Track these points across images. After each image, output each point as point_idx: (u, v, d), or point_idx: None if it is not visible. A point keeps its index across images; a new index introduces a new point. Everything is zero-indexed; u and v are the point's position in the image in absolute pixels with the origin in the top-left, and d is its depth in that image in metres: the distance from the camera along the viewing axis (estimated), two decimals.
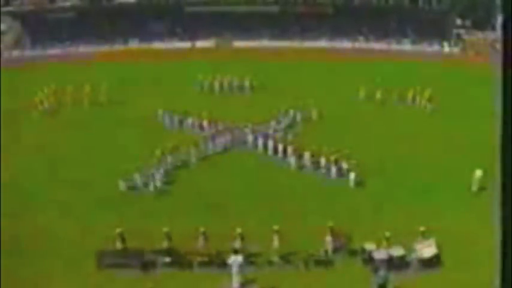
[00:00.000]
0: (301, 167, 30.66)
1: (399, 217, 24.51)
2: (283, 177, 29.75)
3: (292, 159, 30.90)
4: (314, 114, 38.80)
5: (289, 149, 31.53)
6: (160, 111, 38.84)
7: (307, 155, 30.71)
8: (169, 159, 30.59)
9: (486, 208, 22.03)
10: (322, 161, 29.98)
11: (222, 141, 33.96)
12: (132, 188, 28.08)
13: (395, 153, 32.70)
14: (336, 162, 29.64)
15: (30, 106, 41.12)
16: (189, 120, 37.73)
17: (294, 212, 25.34)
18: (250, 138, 33.98)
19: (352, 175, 28.16)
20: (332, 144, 31.94)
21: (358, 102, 42.56)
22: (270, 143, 32.71)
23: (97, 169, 30.31)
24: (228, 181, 29.49)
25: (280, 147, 32.10)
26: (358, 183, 28.42)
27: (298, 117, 38.22)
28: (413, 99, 42.62)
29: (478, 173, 27.33)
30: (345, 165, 29.54)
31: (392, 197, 27.12)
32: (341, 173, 29.32)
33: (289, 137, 34.20)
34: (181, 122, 37.98)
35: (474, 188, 27.48)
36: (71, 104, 42.89)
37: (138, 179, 28.26)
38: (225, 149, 33.64)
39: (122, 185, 27.91)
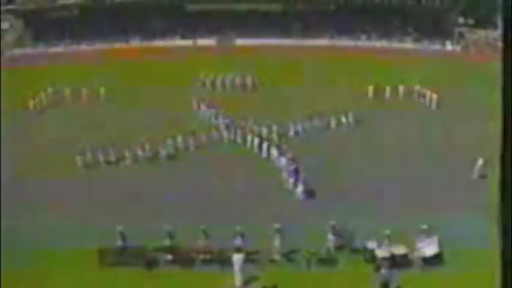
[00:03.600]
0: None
1: (403, 214, 24.49)
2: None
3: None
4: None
5: (274, 151, 31.47)
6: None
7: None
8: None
9: (487, 202, 22.04)
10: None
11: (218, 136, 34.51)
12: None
13: (401, 150, 32.76)
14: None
15: (31, 104, 41.29)
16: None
17: (294, 211, 25.41)
18: (249, 137, 33.93)
19: (300, 187, 27.07)
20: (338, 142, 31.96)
21: (363, 101, 42.44)
22: (264, 144, 32.45)
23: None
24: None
25: (273, 149, 31.89)
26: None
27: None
28: (417, 97, 42.68)
29: (480, 161, 28.36)
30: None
31: (397, 192, 27.19)
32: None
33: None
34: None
35: (475, 176, 28.44)
36: (70, 101, 43.10)
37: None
38: (220, 145, 34.01)
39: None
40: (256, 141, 33.07)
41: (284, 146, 32.12)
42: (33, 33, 67.08)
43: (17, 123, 37.83)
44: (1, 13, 64.70)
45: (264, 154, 32.14)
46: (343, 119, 37.21)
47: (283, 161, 30.01)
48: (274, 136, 34.05)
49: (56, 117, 40.14)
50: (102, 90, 44.42)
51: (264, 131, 34.45)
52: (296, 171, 28.35)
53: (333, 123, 36.60)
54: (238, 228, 21.47)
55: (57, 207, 25.97)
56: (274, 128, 35.25)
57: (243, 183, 28.61)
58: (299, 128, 36.41)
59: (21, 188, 28.20)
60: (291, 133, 35.99)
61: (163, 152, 30.85)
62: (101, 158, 31.27)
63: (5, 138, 33.73)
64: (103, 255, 21.08)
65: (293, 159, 29.47)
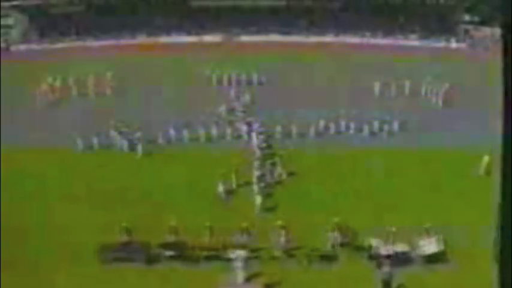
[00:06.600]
0: None
1: (407, 211, 24.52)
2: None
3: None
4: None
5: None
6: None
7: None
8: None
9: (491, 202, 22.01)
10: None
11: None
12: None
13: (406, 147, 32.75)
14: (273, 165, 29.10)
15: (36, 98, 41.46)
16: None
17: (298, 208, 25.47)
18: (254, 134, 33.87)
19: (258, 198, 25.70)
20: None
21: (368, 99, 42.36)
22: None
23: None
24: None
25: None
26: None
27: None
28: (424, 94, 42.69)
29: (486, 158, 28.15)
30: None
31: (401, 189, 27.22)
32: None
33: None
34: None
35: (481, 173, 28.33)
36: (77, 96, 43.29)
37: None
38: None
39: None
40: (254, 138, 33.15)
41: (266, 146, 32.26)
42: (38, 29, 67.20)
43: (22, 119, 38.00)
44: (6, 9, 64.85)
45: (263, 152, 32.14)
46: (346, 118, 36.87)
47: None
48: (262, 137, 33.48)
49: (61, 111, 40.25)
50: (107, 87, 44.49)
51: (263, 129, 34.31)
52: (260, 177, 27.67)
53: (335, 122, 36.34)
54: (243, 224, 21.54)
55: (58, 200, 26.13)
56: (277, 126, 35.06)
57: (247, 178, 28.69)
58: (302, 128, 35.64)
59: (23, 179, 28.38)
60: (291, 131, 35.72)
61: (166, 146, 30.99)
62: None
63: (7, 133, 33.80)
64: (105, 250, 21.12)
65: (262, 165, 29.11)
